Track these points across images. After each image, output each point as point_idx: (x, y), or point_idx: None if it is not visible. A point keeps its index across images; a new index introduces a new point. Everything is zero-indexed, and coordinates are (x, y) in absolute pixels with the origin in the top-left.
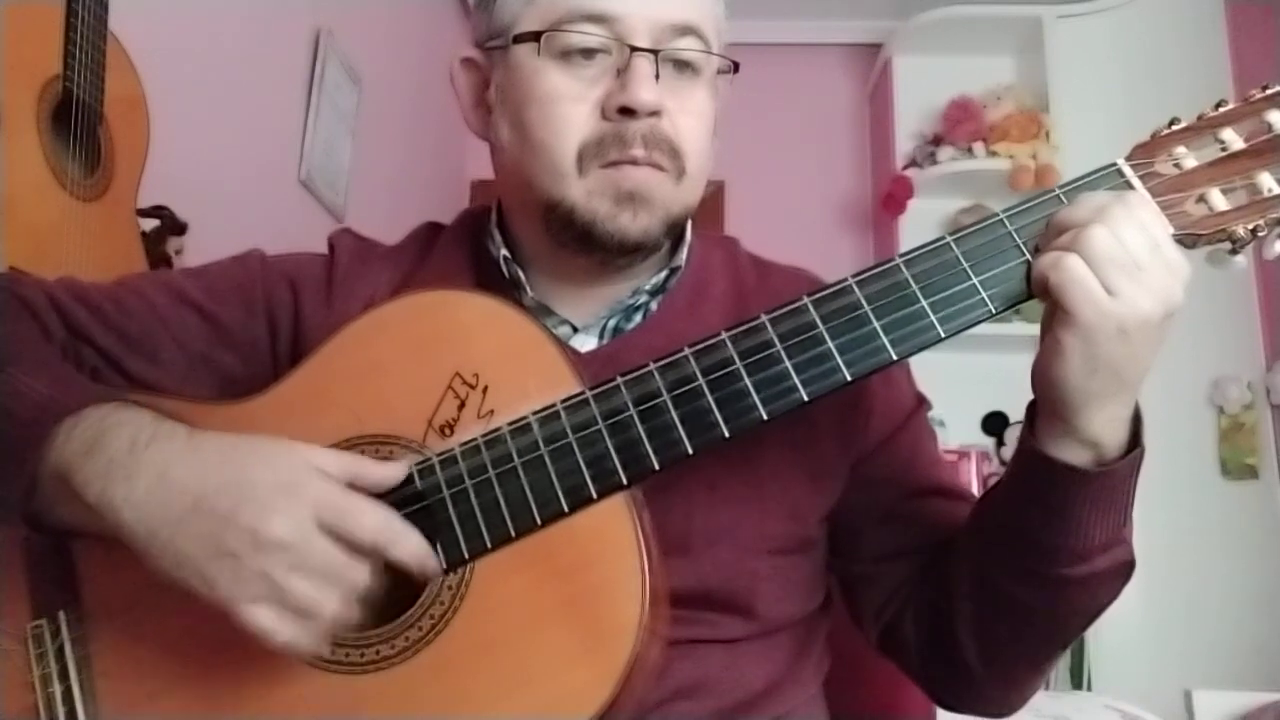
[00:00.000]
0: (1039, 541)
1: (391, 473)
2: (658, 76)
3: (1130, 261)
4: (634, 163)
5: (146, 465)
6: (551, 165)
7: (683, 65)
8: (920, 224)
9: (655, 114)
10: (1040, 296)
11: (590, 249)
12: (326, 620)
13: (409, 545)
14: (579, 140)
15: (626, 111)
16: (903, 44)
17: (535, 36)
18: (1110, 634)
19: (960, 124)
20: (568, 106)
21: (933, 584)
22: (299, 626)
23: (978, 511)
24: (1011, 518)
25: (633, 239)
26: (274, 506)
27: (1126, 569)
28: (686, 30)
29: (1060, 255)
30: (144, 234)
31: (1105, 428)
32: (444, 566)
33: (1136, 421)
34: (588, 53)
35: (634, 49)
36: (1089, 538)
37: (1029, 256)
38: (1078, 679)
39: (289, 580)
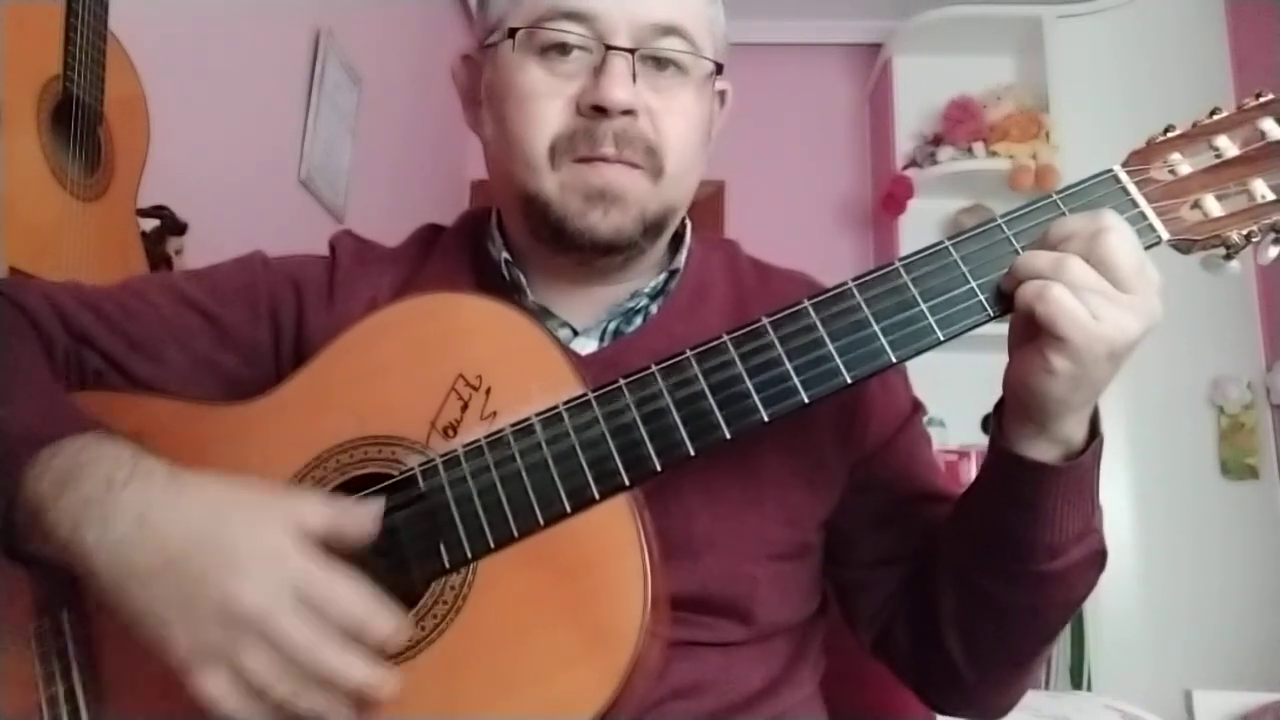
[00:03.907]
0: (1016, 539)
1: (370, 517)
2: (635, 76)
3: (1113, 288)
4: (604, 160)
5: (123, 508)
6: (524, 159)
7: (667, 64)
8: (920, 224)
9: (630, 113)
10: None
11: (565, 247)
12: (276, 698)
13: (382, 628)
14: (551, 134)
15: (599, 110)
16: (903, 44)
17: (516, 33)
18: (1110, 634)
19: (960, 124)
20: (542, 102)
21: (919, 588)
22: (249, 702)
23: (954, 515)
24: (988, 518)
25: (603, 237)
26: (249, 574)
27: (1100, 558)
28: (669, 30)
29: (1045, 286)
30: (144, 234)
31: (1076, 428)
32: (447, 567)
33: (1095, 412)
34: (566, 49)
35: (610, 47)
36: (1063, 531)
37: None
38: (1078, 679)
39: (248, 653)
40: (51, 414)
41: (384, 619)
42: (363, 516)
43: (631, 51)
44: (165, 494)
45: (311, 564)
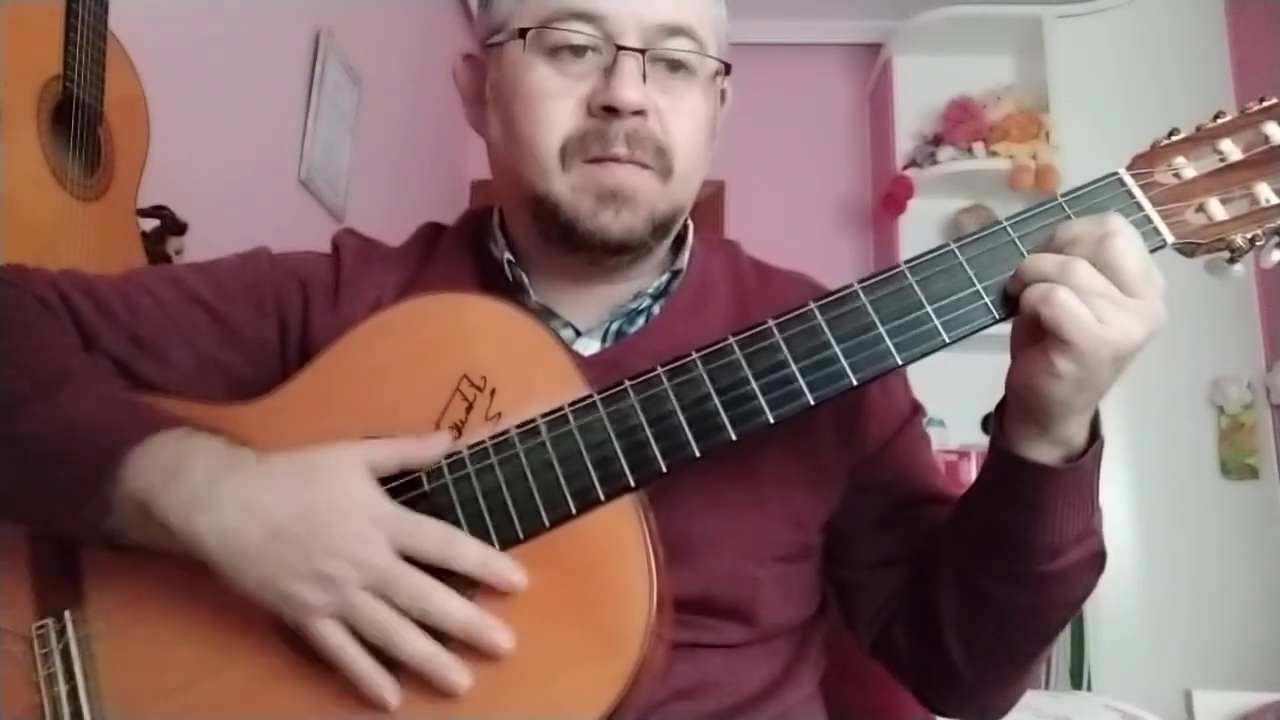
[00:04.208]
0: (1017, 540)
1: (437, 446)
2: (645, 76)
3: (1119, 293)
4: (616, 160)
5: (227, 495)
6: (535, 160)
7: (676, 65)
8: (920, 224)
9: (640, 113)
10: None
11: (575, 247)
12: (391, 635)
13: (471, 554)
14: (562, 135)
15: (610, 110)
16: (903, 44)
17: (525, 33)
18: (1110, 634)
19: (960, 124)
20: (552, 102)
21: (918, 589)
22: (364, 649)
23: (954, 516)
24: (988, 519)
25: (614, 238)
26: (345, 530)
27: (1099, 559)
28: (677, 31)
29: (1051, 289)
30: (144, 234)
31: (1077, 430)
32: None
33: (1095, 414)
34: (577, 50)
35: (621, 48)
36: (1063, 533)
37: None
38: (1078, 679)
39: (356, 597)
40: (130, 410)
41: (468, 545)
42: (429, 448)
43: (642, 52)
44: (259, 477)
45: (391, 511)
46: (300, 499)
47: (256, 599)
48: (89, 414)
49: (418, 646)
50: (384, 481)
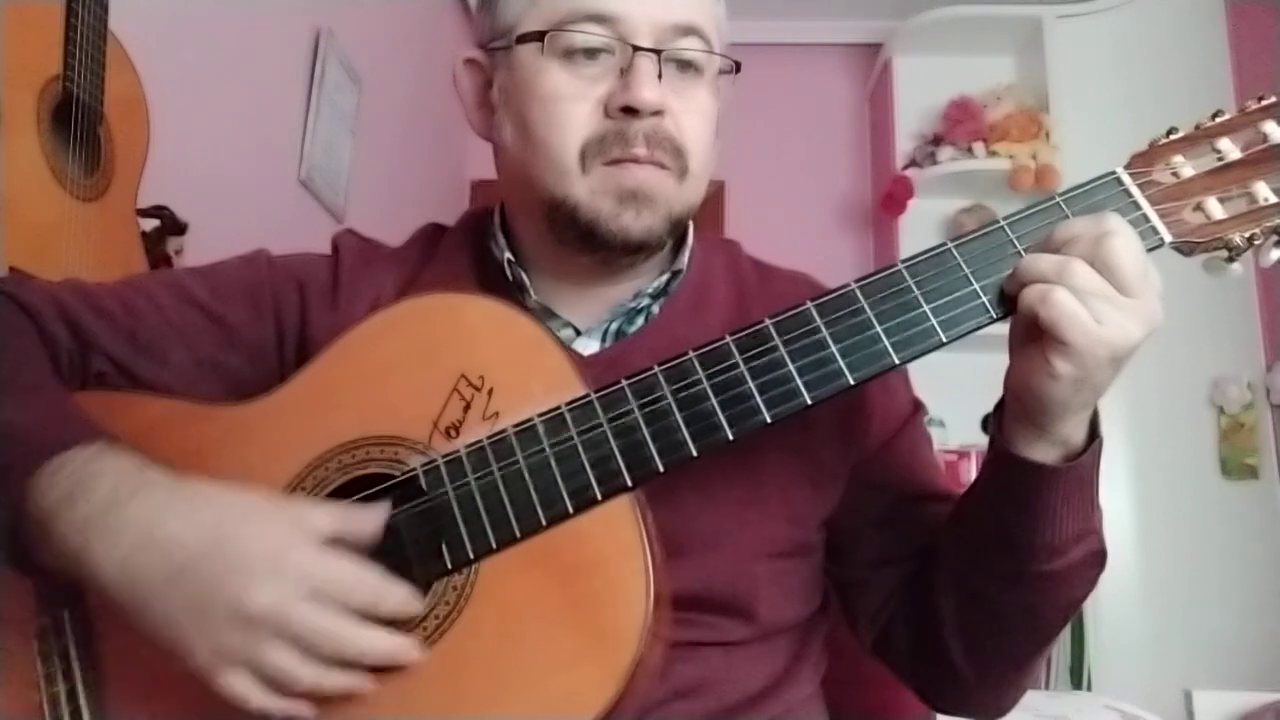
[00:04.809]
0: (1017, 540)
1: (376, 518)
2: (660, 76)
3: (1117, 293)
4: (636, 161)
5: (129, 523)
6: (554, 163)
7: (685, 65)
8: (920, 224)
9: (658, 113)
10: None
11: (593, 248)
12: (304, 687)
13: (395, 600)
14: (581, 138)
15: (629, 110)
16: (903, 44)
17: (539, 36)
18: (1110, 634)
19: (960, 124)
20: (570, 105)
21: (919, 589)
22: (274, 694)
23: (954, 516)
24: (988, 519)
25: (636, 238)
26: (259, 576)
27: (1099, 558)
28: (689, 30)
29: (1049, 289)
30: (144, 234)
31: (1076, 429)
32: (449, 567)
33: (1094, 413)
34: (591, 52)
35: (637, 49)
36: (1063, 532)
37: None
38: (1078, 679)
39: (267, 650)
40: (56, 421)
41: (394, 591)
42: (368, 518)
43: (657, 53)
44: (170, 505)
45: (315, 555)
46: (211, 534)
47: (154, 639)
48: (16, 424)
49: (342, 684)
50: (381, 480)
